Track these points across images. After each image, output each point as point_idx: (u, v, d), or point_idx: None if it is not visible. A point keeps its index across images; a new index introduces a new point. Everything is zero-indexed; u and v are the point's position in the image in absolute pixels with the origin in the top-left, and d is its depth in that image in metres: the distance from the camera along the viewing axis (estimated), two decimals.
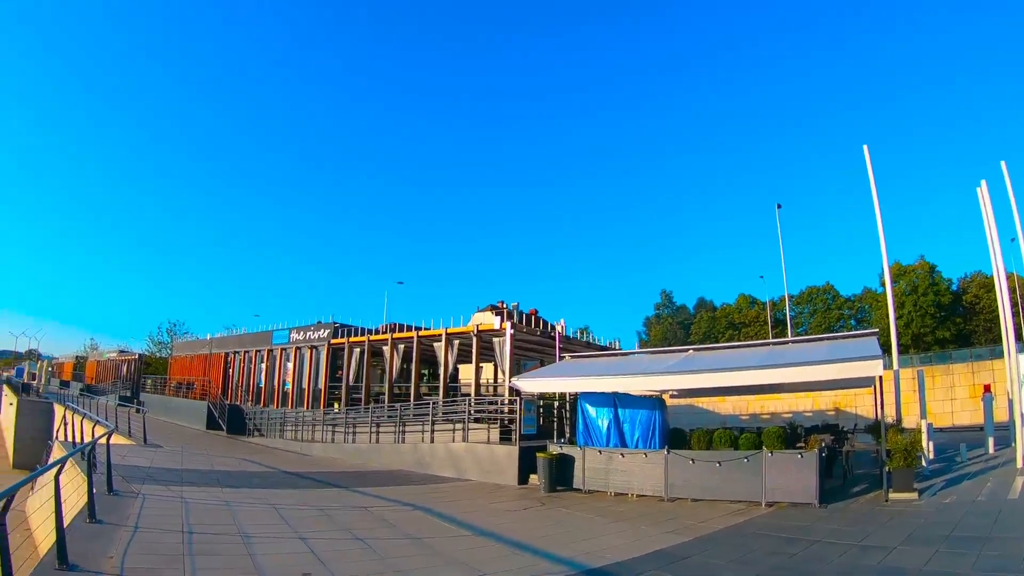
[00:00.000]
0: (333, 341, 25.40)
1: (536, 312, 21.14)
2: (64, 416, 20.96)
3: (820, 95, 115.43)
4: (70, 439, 18.80)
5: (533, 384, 16.20)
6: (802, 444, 12.43)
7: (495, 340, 18.84)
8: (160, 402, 33.76)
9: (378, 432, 20.52)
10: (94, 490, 8.65)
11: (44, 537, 9.52)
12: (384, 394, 22.71)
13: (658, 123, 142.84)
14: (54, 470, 6.93)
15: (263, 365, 29.11)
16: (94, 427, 17.34)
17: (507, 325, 18.45)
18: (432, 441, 18.51)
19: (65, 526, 6.47)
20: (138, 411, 25.90)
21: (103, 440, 11.16)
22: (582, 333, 21.66)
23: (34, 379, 57.92)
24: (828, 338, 15.06)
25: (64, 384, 59.16)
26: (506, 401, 17.64)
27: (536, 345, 20.92)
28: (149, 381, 44.40)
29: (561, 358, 17.66)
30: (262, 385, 29.12)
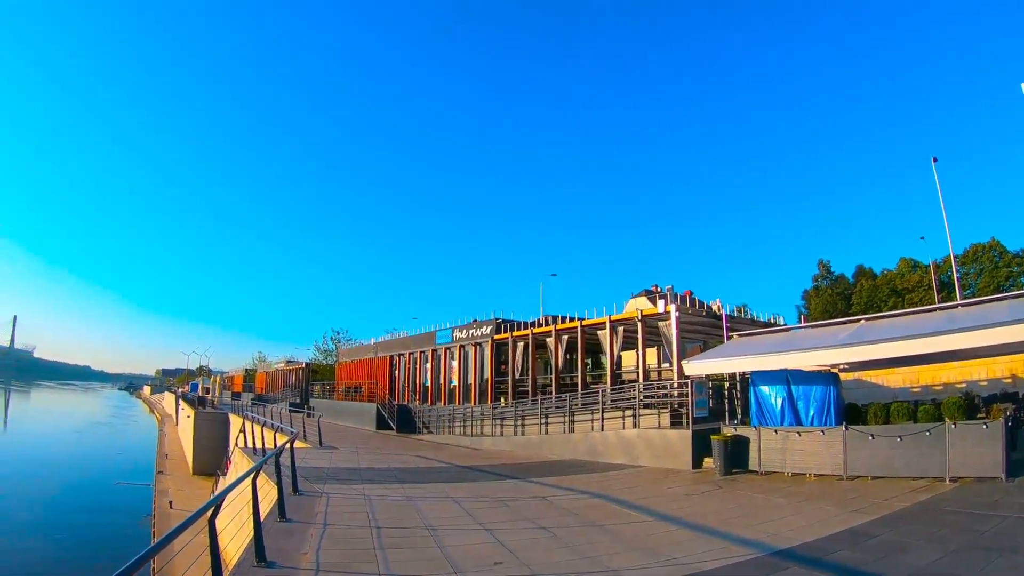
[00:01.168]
0: (496, 336, 30.73)
1: (691, 294, 23.43)
2: (243, 425, 26.28)
3: (973, 36, 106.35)
4: (249, 446, 23.34)
5: (703, 366, 18.45)
6: (982, 414, 13.78)
7: (660, 324, 22.55)
8: (329, 406, 40.64)
9: (547, 423, 24.72)
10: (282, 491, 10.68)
11: (230, 539, 11.15)
12: (550, 385, 27.25)
13: (799, 82, 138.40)
14: (251, 475, 8.32)
15: (428, 365, 35.09)
16: (275, 434, 22.03)
17: (671, 308, 22.02)
18: (602, 429, 21.90)
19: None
20: (309, 416, 30.95)
21: (289, 445, 13.38)
22: (740, 311, 23.54)
23: (208, 393, 68.27)
24: (1005, 298, 16.07)
25: (235, 396, 70.09)
26: (675, 385, 20.69)
27: (698, 327, 24.28)
28: (316, 387, 52.28)
29: (728, 337, 20.54)
30: (428, 384, 35.65)
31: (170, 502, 30.91)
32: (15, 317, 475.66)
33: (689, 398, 18.88)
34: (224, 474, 28.53)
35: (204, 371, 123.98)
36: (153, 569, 19.58)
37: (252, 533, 7.95)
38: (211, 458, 41.91)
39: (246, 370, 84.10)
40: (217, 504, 5.78)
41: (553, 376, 27.07)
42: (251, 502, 8.03)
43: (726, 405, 19.91)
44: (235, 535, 11.05)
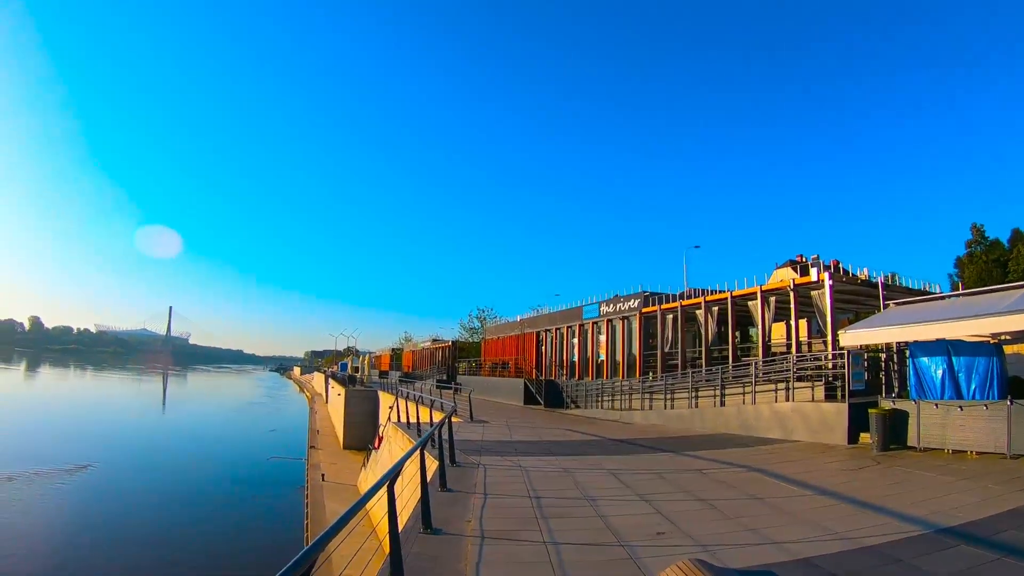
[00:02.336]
0: (644, 310, 33.31)
1: (838, 263, 24.03)
2: (394, 401, 29.27)
3: None
4: (402, 420, 26.43)
5: (860, 335, 19.45)
6: None
7: (812, 293, 23.63)
8: (476, 382, 44.38)
9: (697, 397, 27.00)
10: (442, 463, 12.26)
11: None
12: (699, 358, 29.31)
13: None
14: (419, 448, 9.43)
15: (575, 340, 37.82)
16: (431, 409, 24.86)
17: (825, 276, 23.23)
18: (754, 403, 23.75)
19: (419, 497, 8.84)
20: (457, 392, 34.03)
21: (447, 418, 15.28)
22: (891, 279, 23.84)
23: (357, 371, 74.70)
24: None
25: (383, 374, 76.45)
26: (829, 356, 21.99)
27: (851, 296, 25.55)
28: (463, 364, 56.49)
29: (885, 306, 21.10)
30: (575, 359, 38.40)
31: (323, 475, 35.69)
32: (171, 308, 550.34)
33: (846, 370, 19.92)
34: (375, 448, 32.27)
35: (351, 351, 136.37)
36: (307, 538, 23.78)
37: (416, 503, 9.19)
38: (361, 433, 47.31)
39: (392, 349, 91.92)
40: (396, 473, 6.82)
41: (703, 348, 29.04)
42: (418, 473, 9.27)
43: (882, 378, 20.83)
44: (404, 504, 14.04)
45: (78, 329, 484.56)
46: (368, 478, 30.21)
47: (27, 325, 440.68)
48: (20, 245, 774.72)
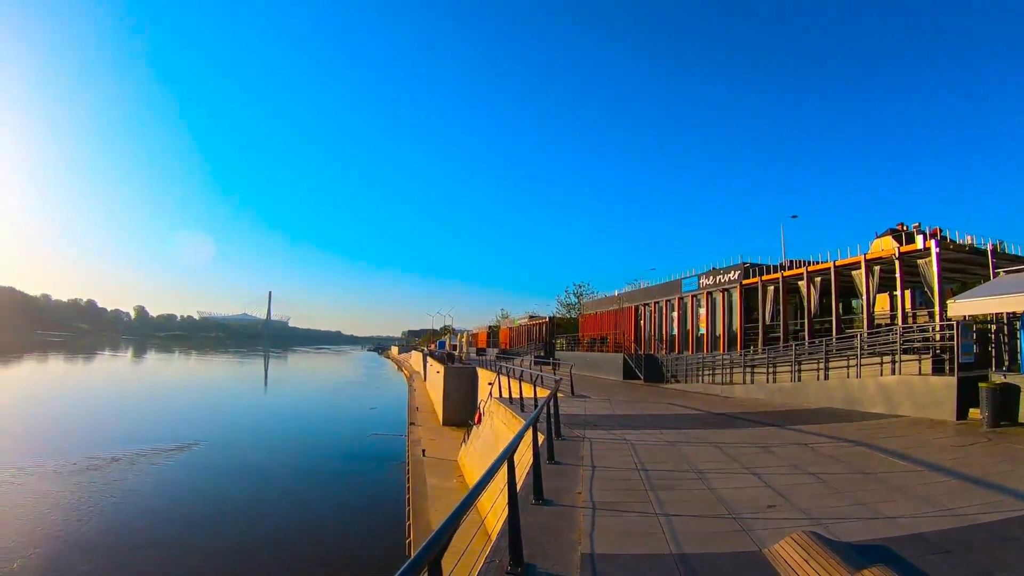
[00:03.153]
0: (744, 282, 33.95)
1: (940, 231, 23.64)
2: (495, 378, 30.62)
3: None
4: (505, 396, 27.53)
5: (968, 306, 19.39)
6: None
7: (919, 262, 23.65)
8: (574, 358, 45.47)
9: (800, 370, 27.46)
10: (550, 436, 12.98)
11: (504, 481, 15.07)
12: (802, 331, 29.82)
13: None
14: (531, 423, 9.94)
15: (674, 313, 39.16)
16: (535, 386, 25.44)
17: (932, 243, 22.98)
18: (859, 376, 24.03)
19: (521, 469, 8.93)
20: (555, 367, 34.95)
21: (553, 394, 16.18)
22: (998, 247, 23.33)
23: (455, 349, 76.93)
24: None
25: (480, 351, 78.57)
26: (937, 328, 22.16)
27: (957, 264, 25.29)
28: (560, 340, 57.48)
29: (995, 275, 20.75)
30: (675, 333, 39.82)
31: (423, 450, 37.54)
32: (270, 293, 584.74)
33: (955, 342, 19.82)
34: (476, 424, 33.77)
35: (448, 330, 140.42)
36: (410, 512, 25.36)
37: (524, 475, 9.51)
38: (460, 410, 49.22)
39: (489, 327, 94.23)
40: (515, 447, 7.40)
41: (806, 320, 29.34)
42: (531, 445, 9.73)
43: (992, 350, 20.58)
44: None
45: (181, 316, 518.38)
46: (469, 453, 31.83)
47: (133, 314, 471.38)
48: (127, 241, 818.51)
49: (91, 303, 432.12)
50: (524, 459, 13.76)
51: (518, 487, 6.88)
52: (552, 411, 14.99)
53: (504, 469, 6.63)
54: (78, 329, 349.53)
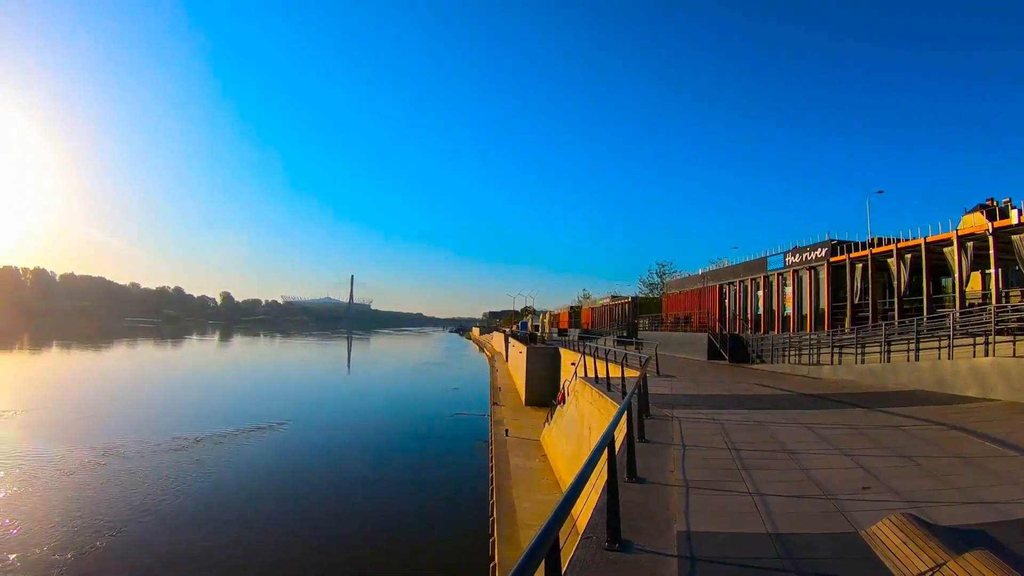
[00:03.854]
0: (832, 259, 33.92)
1: None
2: (581, 358, 31.32)
3: None
4: (590, 375, 27.48)
5: None
6: None
7: (1014, 238, 23.66)
8: (657, 338, 46.35)
9: (889, 351, 27.37)
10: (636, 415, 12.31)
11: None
12: (891, 310, 29.83)
13: None
14: (627, 402, 10.43)
15: (760, 292, 39.37)
16: (622, 366, 25.47)
17: None
18: (951, 358, 23.80)
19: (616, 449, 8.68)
20: (638, 347, 35.42)
21: (642, 373, 16.42)
22: None
23: (537, 330, 77.88)
24: None
25: (562, 332, 79.61)
26: None
27: None
28: (643, 320, 57.91)
29: None
30: (760, 312, 40.22)
31: (506, 430, 38.51)
32: (352, 276, 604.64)
33: None
34: (559, 403, 34.55)
35: (529, 311, 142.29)
36: (493, 490, 26.29)
37: (618, 453, 9.32)
38: (542, 390, 50.21)
39: (571, 307, 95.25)
40: (615, 426, 7.63)
41: (895, 299, 29.24)
42: (633, 424, 10.17)
43: None
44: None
45: (266, 301, 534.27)
46: (552, 433, 32.73)
47: (219, 300, 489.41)
48: (213, 231, 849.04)
49: (178, 290, 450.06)
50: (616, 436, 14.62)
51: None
52: (641, 390, 15.30)
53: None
54: (166, 315, 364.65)
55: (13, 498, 26.78)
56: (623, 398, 15.96)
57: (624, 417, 9.71)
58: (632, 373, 21.37)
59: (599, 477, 6.62)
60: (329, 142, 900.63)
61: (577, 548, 6.68)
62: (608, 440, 6.86)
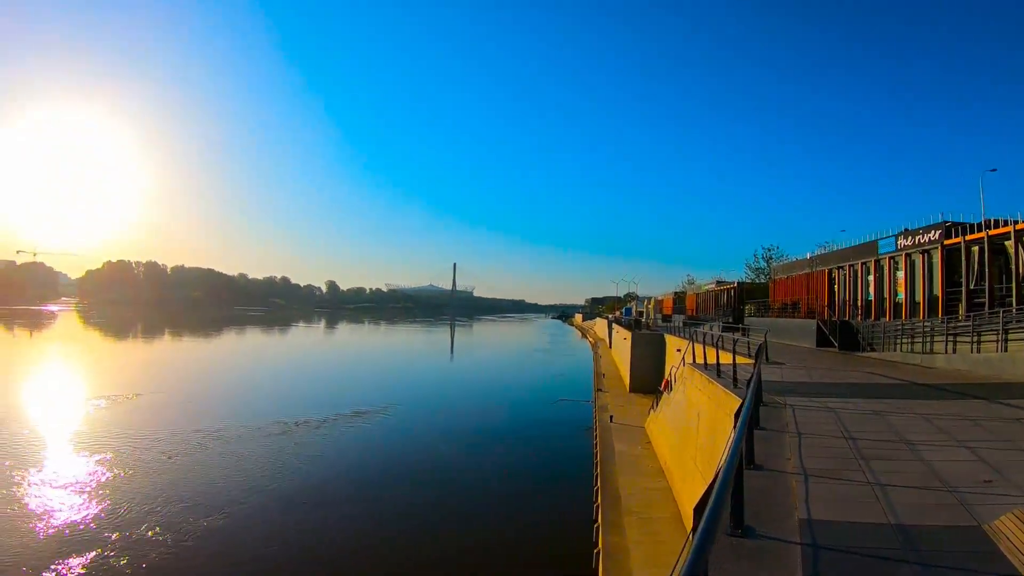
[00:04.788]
0: (946, 242, 33.25)
1: None
2: (691, 344, 31.18)
3: None
4: (699, 362, 28.15)
5: None
6: None
7: None
8: (764, 324, 46.40)
9: (1007, 340, 26.58)
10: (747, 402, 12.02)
11: (709, 443, 15.87)
12: (1010, 296, 29.09)
13: None
14: (749, 391, 10.82)
15: (870, 277, 39.07)
16: (733, 352, 24.60)
17: None
18: None
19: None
20: (745, 334, 35.54)
21: (756, 360, 16.98)
22: None
23: (641, 316, 78.37)
24: None
25: (666, 318, 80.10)
26: None
27: None
28: (748, 306, 57.44)
29: None
30: (871, 298, 39.28)
31: (610, 416, 39.10)
32: (455, 264, 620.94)
33: None
34: (665, 390, 34.90)
35: (632, 297, 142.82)
36: (597, 476, 27.02)
37: (729, 439, 9.35)
38: (647, 376, 50.71)
39: (675, 293, 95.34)
40: (748, 414, 8.00)
41: (1013, 285, 28.59)
42: (748, 413, 9.63)
43: None
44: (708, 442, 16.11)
45: (370, 289, 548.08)
46: (658, 419, 33.00)
47: (324, 288, 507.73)
48: (318, 223, 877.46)
49: (284, 279, 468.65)
50: (721, 425, 15.18)
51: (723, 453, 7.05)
52: (755, 377, 14.96)
53: (718, 432, 7.37)
54: (273, 304, 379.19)
55: (120, 480, 28.31)
56: (734, 385, 16.57)
57: (748, 404, 9.87)
58: (743, 360, 21.72)
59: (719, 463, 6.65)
60: (433, 140, 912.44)
61: (700, 532, 6.78)
62: (746, 427, 7.39)
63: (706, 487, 5.56)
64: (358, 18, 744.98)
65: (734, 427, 7.52)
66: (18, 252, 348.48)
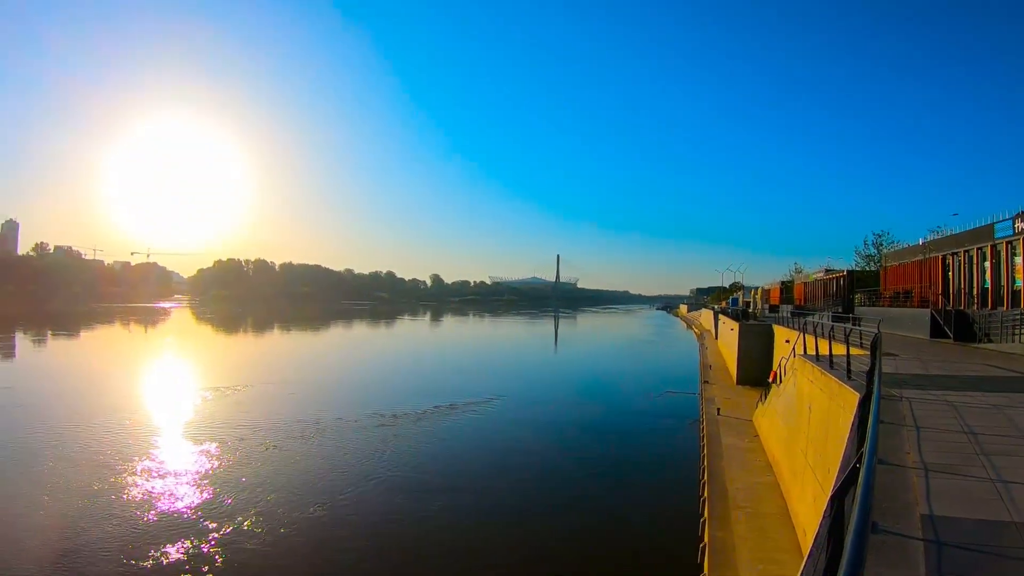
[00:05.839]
0: None
1: None
2: (803, 336, 30.35)
3: None
4: (810, 353, 27.29)
5: None
6: None
7: None
8: (874, 313, 45.75)
9: None
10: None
11: (824, 436, 15.32)
12: None
13: None
14: (874, 385, 10.69)
15: (986, 263, 38.17)
16: (846, 343, 24.52)
17: None
18: None
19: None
20: (855, 324, 35.12)
21: (873, 351, 16.09)
22: None
23: (747, 306, 77.70)
24: None
25: (773, 308, 79.11)
26: None
27: None
28: (858, 295, 56.16)
29: None
30: (987, 285, 38.47)
31: (717, 409, 39.13)
32: (558, 256, 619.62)
33: None
34: (775, 382, 34.34)
35: (738, 287, 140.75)
36: (704, 469, 27.30)
37: (849, 433, 9.81)
38: (755, 368, 50.37)
39: (782, 282, 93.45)
40: (877, 409, 8.16)
41: None
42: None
43: None
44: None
45: (474, 282, 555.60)
46: (767, 412, 32.92)
47: (429, 282, 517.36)
48: (422, 220, 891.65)
49: (390, 274, 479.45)
50: (834, 418, 15.40)
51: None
52: (877, 369, 14.56)
53: (830, 425, 7.28)
54: (378, 298, 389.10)
55: (222, 469, 29.56)
56: (848, 377, 16.36)
57: (873, 397, 9.99)
58: (856, 351, 20.97)
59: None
60: (537, 135, 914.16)
61: (821, 525, 6.47)
62: (878, 420, 7.45)
63: (837, 477, 6.19)
64: (457, 23, 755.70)
65: (854, 419, 7.90)
66: (132, 253, 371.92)
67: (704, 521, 20.46)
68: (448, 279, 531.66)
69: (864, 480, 4.82)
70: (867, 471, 4.98)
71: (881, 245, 77.78)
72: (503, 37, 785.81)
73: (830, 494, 5.55)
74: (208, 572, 19.11)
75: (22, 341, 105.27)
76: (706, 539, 18.92)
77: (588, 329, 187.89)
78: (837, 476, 7.84)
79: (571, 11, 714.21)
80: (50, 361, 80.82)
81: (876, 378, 11.18)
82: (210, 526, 22.30)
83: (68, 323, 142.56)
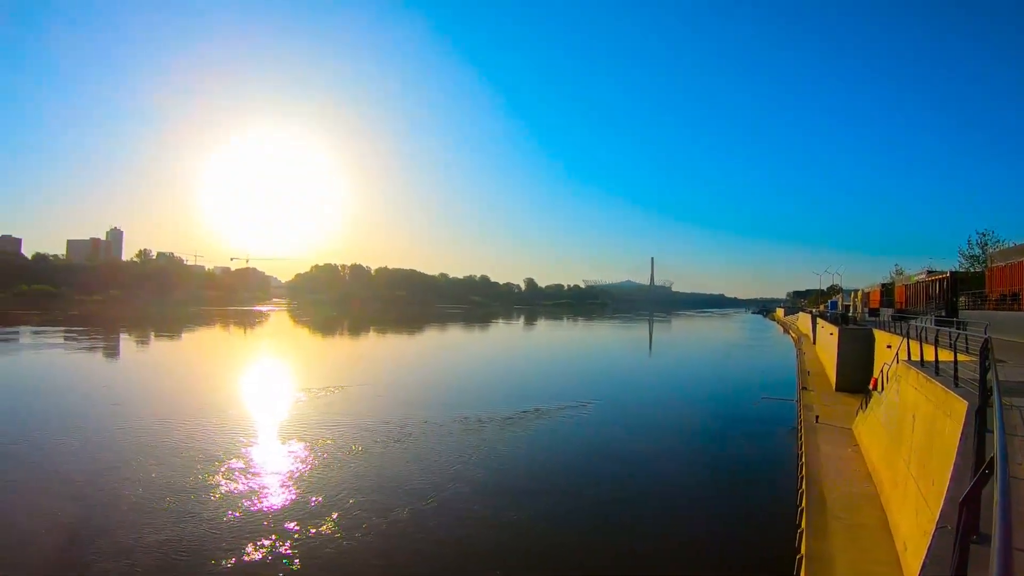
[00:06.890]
0: None
1: None
2: (907, 341, 29.73)
3: None
4: (914, 359, 26.67)
5: None
6: None
7: None
8: (979, 317, 44.05)
9: None
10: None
11: (934, 443, 14.38)
12: None
13: None
14: (995, 393, 10.25)
15: None
16: (954, 349, 23.18)
17: None
18: None
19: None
20: (961, 328, 34.48)
21: (982, 359, 14.95)
22: None
23: (847, 310, 76.27)
24: None
25: (873, 312, 77.64)
26: None
27: None
28: (962, 298, 54.66)
29: None
30: None
31: (816, 416, 38.50)
32: (652, 259, 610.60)
33: None
34: (875, 389, 33.88)
35: (836, 290, 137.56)
36: (802, 478, 27.09)
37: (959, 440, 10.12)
38: (855, 374, 49.46)
39: (882, 285, 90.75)
40: (1002, 420, 7.99)
41: None
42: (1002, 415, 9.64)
43: None
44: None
45: (568, 286, 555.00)
46: (868, 421, 32.07)
47: (523, 286, 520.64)
48: (516, 225, 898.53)
49: (484, 278, 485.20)
50: (939, 427, 15.18)
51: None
52: (993, 375, 13.62)
53: (935, 435, 7.26)
54: (472, 302, 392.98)
55: (308, 470, 29.81)
56: (955, 384, 15.98)
57: (966, 407, 10.26)
58: (964, 358, 20.57)
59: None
60: (630, 140, 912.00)
61: (934, 538, 6.70)
62: (1003, 426, 7.27)
63: (949, 488, 5.62)
64: (549, 34, 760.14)
65: (963, 428, 7.08)
66: (232, 259, 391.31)
67: (801, 531, 20.45)
68: (542, 283, 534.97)
69: (1000, 489, 4.69)
70: (1002, 480, 4.86)
71: (986, 245, 74.56)
72: (594, 39, 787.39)
73: (959, 500, 5.53)
74: (284, 574, 19.53)
75: (125, 342, 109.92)
76: (803, 550, 18.90)
77: (683, 333, 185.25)
78: (949, 487, 7.84)
79: (644, 10, 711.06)
80: (150, 361, 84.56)
81: (995, 384, 10.95)
82: (291, 527, 22.66)
83: (170, 325, 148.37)
